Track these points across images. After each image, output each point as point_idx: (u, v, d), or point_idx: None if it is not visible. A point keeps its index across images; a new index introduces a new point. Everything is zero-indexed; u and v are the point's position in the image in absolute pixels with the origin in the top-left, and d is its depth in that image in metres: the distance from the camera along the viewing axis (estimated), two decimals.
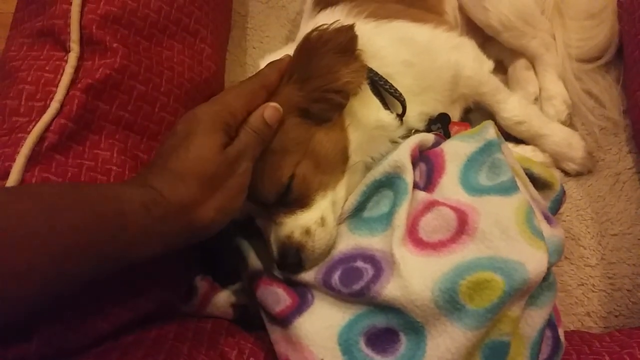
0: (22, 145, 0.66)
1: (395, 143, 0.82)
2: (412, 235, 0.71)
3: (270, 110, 0.69)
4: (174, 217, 0.60)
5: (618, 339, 0.78)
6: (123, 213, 0.55)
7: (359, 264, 0.72)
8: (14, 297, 0.47)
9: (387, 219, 0.73)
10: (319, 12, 0.98)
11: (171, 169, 0.61)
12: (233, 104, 0.67)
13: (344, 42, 0.73)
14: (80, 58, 0.74)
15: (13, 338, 0.61)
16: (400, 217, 0.71)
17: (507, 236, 0.67)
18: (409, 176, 0.75)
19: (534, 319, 0.67)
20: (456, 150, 0.79)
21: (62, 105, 0.70)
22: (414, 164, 0.78)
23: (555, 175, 0.87)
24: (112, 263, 0.56)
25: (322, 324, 0.69)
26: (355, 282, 0.69)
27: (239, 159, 0.65)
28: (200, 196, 0.61)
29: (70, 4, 0.74)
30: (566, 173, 1.04)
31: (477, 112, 1.05)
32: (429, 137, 0.83)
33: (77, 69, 0.73)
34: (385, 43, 0.86)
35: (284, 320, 0.71)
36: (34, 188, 0.60)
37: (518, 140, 1.04)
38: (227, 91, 0.71)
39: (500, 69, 1.15)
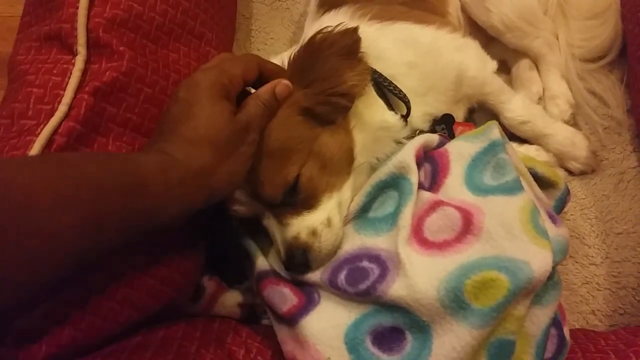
0: (31, 148, 0.66)
1: (400, 144, 0.83)
2: (418, 235, 0.72)
3: (282, 86, 0.71)
4: (191, 181, 0.61)
5: (623, 337, 0.78)
6: (143, 178, 0.57)
7: (365, 263, 0.72)
8: (44, 259, 0.48)
9: (393, 219, 0.74)
10: (323, 14, 0.98)
11: (184, 135, 0.63)
12: (231, 71, 0.68)
13: (348, 45, 0.73)
14: (88, 61, 0.74)
15: (22, 339, 0.61)
16: (406, 217, 0.72)
17: (512, 235, 0.67)
18: (413, 176, 0.75)
19: (539, 317, 0.68)
20: (461, 150, 0.80)
21: (70, 108, 0.70)
22: (419, 165, 0.78)
23: (560, 175, 0.87)
24: (137, 226, 0.58)
25: (329, 323, 0.70)
26: (361, 281, 0.70)
27: (248, 129, 0.67)
28: (214, 161, 0.63)
29: (77, 7, 0.75)
30: (570, 172, 1.04)
31: (481, 112, 1.05)
32: (434, 138, 0.83)
33: (84, 72, 0.73)
34: (389, 44, 0.86)
35: (291, 320, 0.71)
36: (57, 155, 0.63)
37: (522, 140, 1.04)
38: (222, 58, 0.72)
39: (504, 69, 1.15)
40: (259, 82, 0.73)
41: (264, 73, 0.73)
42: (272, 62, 0.76)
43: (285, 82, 0.71)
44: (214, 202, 0.67)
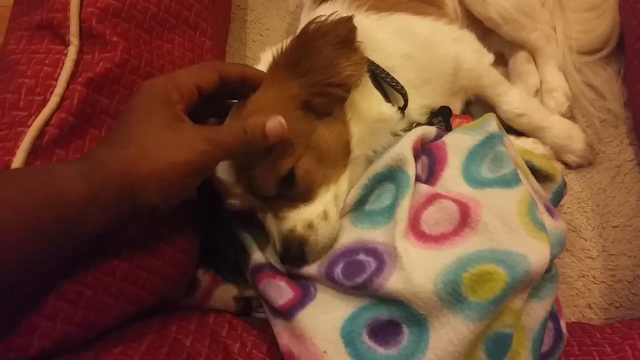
0: (22, 139, 0.65)
1: (397, 136, 0.82)
2: (415, 228, 0.71)
3: (274, 122, 0.66)
4: (113, 182, 0.58)
5: (619, 330, 0.78)
6: (58, 187, 0.54)
7: (362, 257, 0.72)
8: None
9: (390, 211, 0.73)
10: (319, 4, 0.97)
11: (115, 141, 0.61)
12: (179, 78, 0.66)
13: (343, 34, 0.72)
14: (80, 52, 0.73)
15: (14, 333, 0.60)
16: (403, 210, 0.71)
17: (510, 228, 0.67)
18: (411, 169, 0.75)
19: (536, 310, 0.68)
20: (458, 142, 0.79)
21: (63, 99, 0.69)
22: (416, 157, 0.78)
23: (556, 167, 0.87)
24: (62, 238, 0.55)
25: (325, 316, 0.69)
26: (358, 275, 0.69)
27: (222, 150, 0.63)
28: (139, 161, 0.59)
29: None
30: (567, 165, 1.04)
31: (478, 105, 1.05)
32: (431, 130, 0.83)
33: (77, 63, 0.72)
34: (386, 36, 0.86)
35: (287, 313, 0.71)
36: None
37: (519, 133, 1.04)
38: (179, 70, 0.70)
39: (501, 61, 1.15)
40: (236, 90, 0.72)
41: (230, 76, 0.70)
42: (235, 64, 0.73)
43: (279, 119, 0.66)
44: (143, 215, 0.62)
